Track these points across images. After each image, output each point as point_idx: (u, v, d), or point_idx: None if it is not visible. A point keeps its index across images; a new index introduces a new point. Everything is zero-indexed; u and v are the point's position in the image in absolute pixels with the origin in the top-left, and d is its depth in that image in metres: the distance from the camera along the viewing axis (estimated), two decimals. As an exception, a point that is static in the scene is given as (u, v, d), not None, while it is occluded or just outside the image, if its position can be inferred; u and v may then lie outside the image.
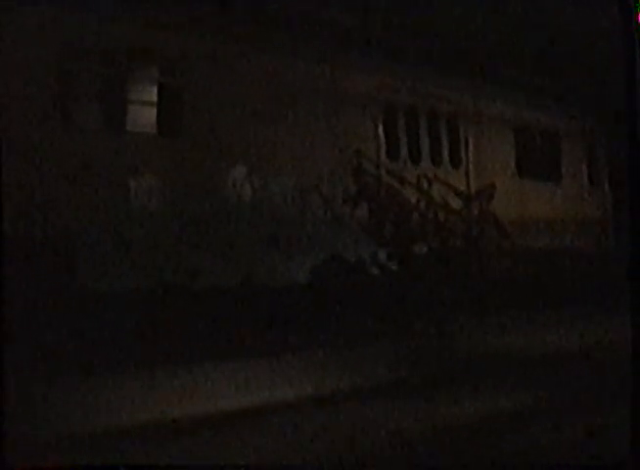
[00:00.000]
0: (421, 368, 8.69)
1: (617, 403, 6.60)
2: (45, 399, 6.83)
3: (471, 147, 11.70)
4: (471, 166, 11.65)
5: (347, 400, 7.52)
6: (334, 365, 8.48)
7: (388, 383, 8.27)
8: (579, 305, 10.18)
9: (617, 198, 11.83)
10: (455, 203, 11.33)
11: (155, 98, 9.39)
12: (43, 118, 8.49)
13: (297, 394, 7.61)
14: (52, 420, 6.50)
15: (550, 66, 10.77)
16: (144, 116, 9.35)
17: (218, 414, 6.95)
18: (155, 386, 7.38)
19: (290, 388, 7.74)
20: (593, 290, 10.04)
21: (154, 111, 9.40)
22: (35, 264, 8.05)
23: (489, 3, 9.85)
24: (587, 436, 6.66)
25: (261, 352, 8.67)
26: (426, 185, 11.22)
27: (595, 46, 9.82)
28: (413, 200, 11.11)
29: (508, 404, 7.49)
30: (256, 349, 8.79)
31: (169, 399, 7.15)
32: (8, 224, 7.37)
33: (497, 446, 6.54)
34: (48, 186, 8.38)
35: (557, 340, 9.45)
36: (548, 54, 10.52)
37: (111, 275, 8.67)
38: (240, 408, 7.13)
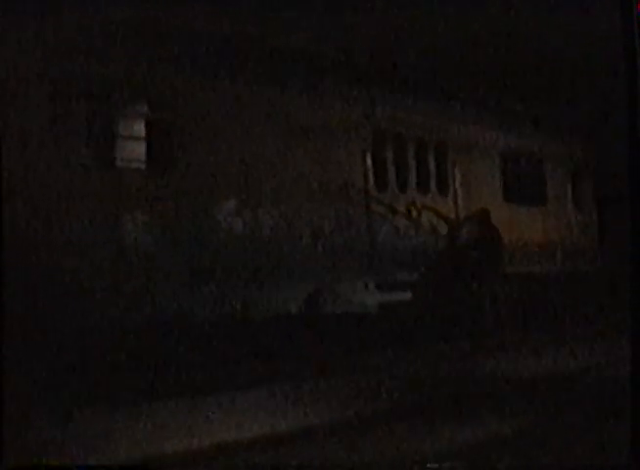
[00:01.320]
0: (417, 394, 8.71)
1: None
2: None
3: (457, 174, 11.77)
4: (459, 193, 11.71)
5: (342, 431, 7.52)
6: (324, 396, 8.48)
7: (382, 412, 8.27)
8: (568, 326, 10.24)
9: (602, 219, 11.92)
10: (444, 230, 11.39)
11: (143, 133, 9.43)
12: (32, 155, 8.50)
13: (289, 425, 7.60)
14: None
15: (535, 90, 10.87)
16: (133, 151, 9.38)
17: (210, 446, 6.92)
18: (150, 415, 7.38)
19: (282, 419, 7.73)
20: (581, 311, 10.10)
21: (142, 146, 9.43)
22: (25, 300, 8.04)
23: (474, 33, 9.95)
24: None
25: (254, 384, 8.67)
26: (415, 213, 11.28)
27: (585, 69, 9.93)
28: (402, 228, 11.17)
29: (509, 420, 7.53)
30: (250, 380, 8.79)
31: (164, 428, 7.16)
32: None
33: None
34: (37, 222, 8.38)
35: (549, 362, 9.50)
36: (532, 80, 10.62)
37: (100, 310, 8.65)
38: (232, 441, 7.10)
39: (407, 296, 10.96)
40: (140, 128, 9.48)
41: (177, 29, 9.49)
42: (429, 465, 6.35)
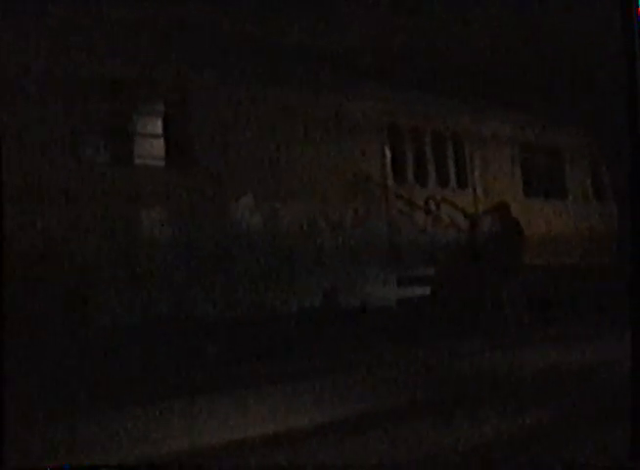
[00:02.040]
0: (430, 390, 8.69)
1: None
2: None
3: (476, 167, 11.72)
4: (477, 187, 11.67)
5: (354, 428, 7.50)
6: (345, 391, 8.47)
7: (400, 407, 8.26)
8: (587, 319, 10.18)
9: (622, 212, 11.82)
10: (463, 223, 11.35)
11: (160, 130, 9.48)
12: (52, 154, 8.58)
13: (308, 421, 7.59)
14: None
15: (551, 83, 10.80)
16: (151, 148, 9.43)
17: (215, 444, 6.93)
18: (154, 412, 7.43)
19: (302, 416, 7.72)
20: (601, 304, 10.02)
21: (161, 143, 9.49)
22: (44, 298, 8.13)
23: (489, 26, 9.91)
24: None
25: (274, 380, 8.69)
26: (434, 207, 11.25)
27: (595, 63, 9.85)
28: (421, 222, 11.14)
29: (509, 420, 7.51)
30: (267, 376, 8.81)
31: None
32: (18, 259, 7.45)
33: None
34: (58, 220, 8.47)
35: (564, 353, 9.46)
36: (548, 72, 10.56)
37: (119, 307, 8.72)
38: (240, 439, 7.10)
39: (427, 290, 10.94)
40: (157, 126, 9.54)
41: (193, 29, 9.53)
42: None
